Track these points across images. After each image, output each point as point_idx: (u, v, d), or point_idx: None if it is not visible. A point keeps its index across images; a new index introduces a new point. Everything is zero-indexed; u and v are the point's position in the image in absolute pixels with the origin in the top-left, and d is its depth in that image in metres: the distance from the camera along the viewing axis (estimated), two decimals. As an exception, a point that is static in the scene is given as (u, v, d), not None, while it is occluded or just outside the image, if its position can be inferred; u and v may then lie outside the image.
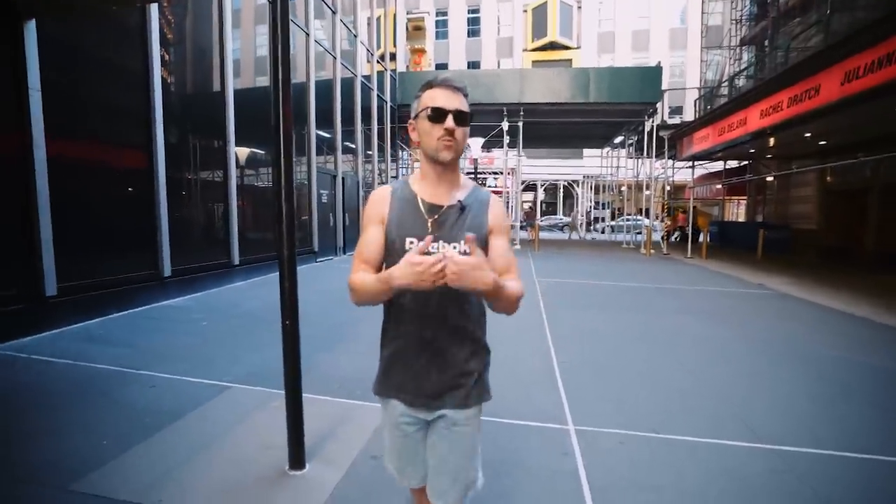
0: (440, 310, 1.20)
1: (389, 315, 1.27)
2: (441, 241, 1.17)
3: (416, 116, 1.21)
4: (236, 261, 7.02)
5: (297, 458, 2.28)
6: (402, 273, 1.01)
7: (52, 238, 4.19)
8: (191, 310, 5.37)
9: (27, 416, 2.74)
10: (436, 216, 1.19)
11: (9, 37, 3.83)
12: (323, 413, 2.86)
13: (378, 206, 1.24)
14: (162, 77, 5.46)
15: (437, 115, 1.15)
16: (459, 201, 1.21)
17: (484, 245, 1.21)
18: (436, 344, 1.22)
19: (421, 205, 1.21)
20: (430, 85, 1.19)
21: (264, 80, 8.27)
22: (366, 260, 1.21)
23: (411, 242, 1.17)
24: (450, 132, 1.15)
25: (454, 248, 1.17)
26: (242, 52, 7.79)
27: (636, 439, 2.64)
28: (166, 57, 5.63)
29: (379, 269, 1.22)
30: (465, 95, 1.20)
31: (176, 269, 5.71)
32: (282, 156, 2.19)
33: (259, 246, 7.82)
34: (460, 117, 1.16)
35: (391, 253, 1.20)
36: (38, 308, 4.14)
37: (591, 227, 24.90)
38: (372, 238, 1.22)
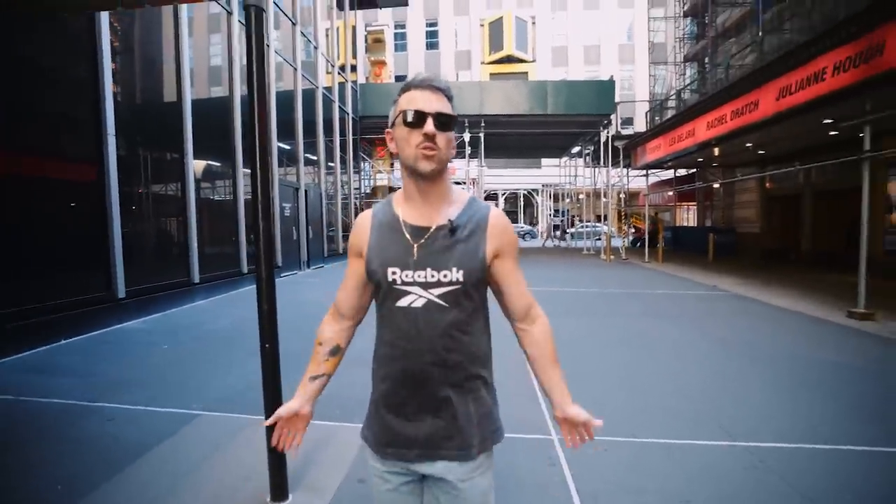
0: (436, 346, 1.01)
1: (377, 351, 1.10)
2: (429, 268, 1.00)
3: (394, 124, 1.03)
4: (196, 278, 6.69)
5: (279, 488, 2.18)
6: (284, 406, 1.11)
7: (-7, 261, 3.84)
8: (149, 332, 5.05)
9: (-33, 460, 2.47)
10: (421, 240, 1.01)
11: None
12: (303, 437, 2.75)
13: (358, 236, 1.10)
14: (113, 86, 5.16)
15: (415, 118, 0.97)
16: (450, 220, 1.02)
17: (481, 274, 1.03)
18: (429, 386, 1.03)
19: (404, 228, 1.03)
20: (408, 87, 1.02)
21: (219, 91, 8.01)
22: (339, 308, 1.15)
23: (394, 273, 1.01)
24: (430, 137, 0.96)
25: (443, 276, 1.00)
26: (196, 62, 7.51)
27: (617, 445, 2.70)
28: (118, 66, 5.34)
29: (354, 318, 1.17)
30: (450, 97, 1.03)
31: (131, 289, 5.36)
32: (258, 173, 2.12)
33: (220, 262, 7.49)
34: (442, 120, 0.98)
35: (376, 284, 1.05)
36: (-25, 339, 3.77)
37: (555, 235, 25.63)
38: (349, 281, 1.13)
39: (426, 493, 1.10)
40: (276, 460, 2.17)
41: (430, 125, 0.96)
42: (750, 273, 10.98)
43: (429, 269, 1.00)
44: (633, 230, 20.13)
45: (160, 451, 2.60)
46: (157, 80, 6.55)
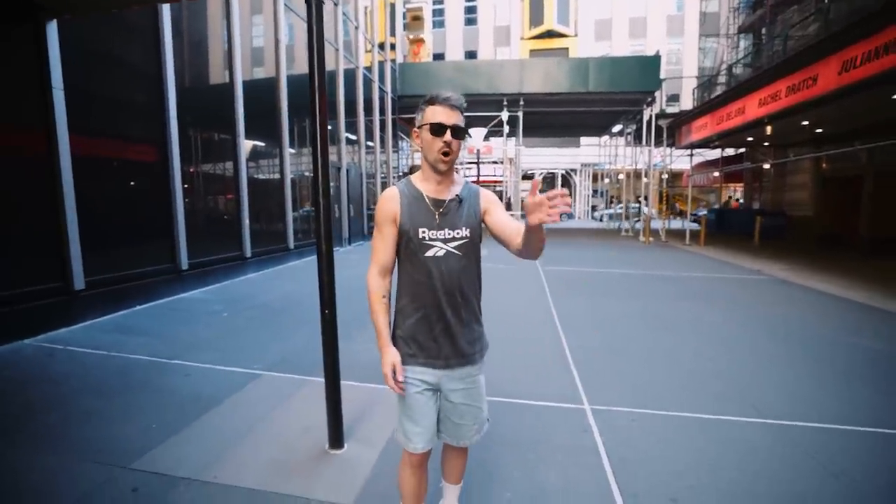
0: (457, 283, 1.46)
1: (406, 292, 1.50)
2: (446, 228, 1.44)
3: (420, 127, 1.44)
4: (248, 253, 7.15)
5: (336, 438, 2.46)
6: (384, 363, 1.46)
7: (79, 234, 4.31)
8: (209, 302, 5.52)
9: (75, 402, 2.90)
10: (440, 209, 1.45)
11: (32, 37, 3.91)
12: (353, 397, 3.03)
13: (390, 204, 1.46)
14: (174, 73, 5.53)
15: (438, 129, 1.39)
16: (457, 195, 1.48)
17: (480, 225, 1.50)
18: (454, 313, 1.47)
19: (427, 200, 1.46)
20: (432, 101, 1.41)
21: (261, 72, 8.28)
22: (380, 262, 1.50)
23: (423, 232, 1.43)
24: (448, 144, 1.39)
25: (457, 233, 1.45)
26: (244, 44, 7.81)
27: (648, 417, 2.83)
28: (177, 53, 5.68)
29: (391, 269, 1.52)
30: (463, 112, 1.43)
31: (193, 261, 5.84)
32: (319, 158, 2.33)
33: (269, 238, 7.95)
34: (457, 132, 1.40)
35: (407, 240, 1.45)
36: (69, 301, 4.28)
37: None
38: (386, 240, 1.48)
39: (447, 394, 1.54)
40: (335, 414, 2.44)
41: (448, 135, 1.39)
42: (799, 258, 10.52)
43: (447, 229, 1.45)
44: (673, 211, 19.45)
45: (230, 403, 2.95)
46: (211, 64, 6.91)
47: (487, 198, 1.54)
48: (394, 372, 1.47)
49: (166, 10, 5.36)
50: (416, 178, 1.52)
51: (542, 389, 3.22)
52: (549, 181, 33.40)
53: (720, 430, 2.69)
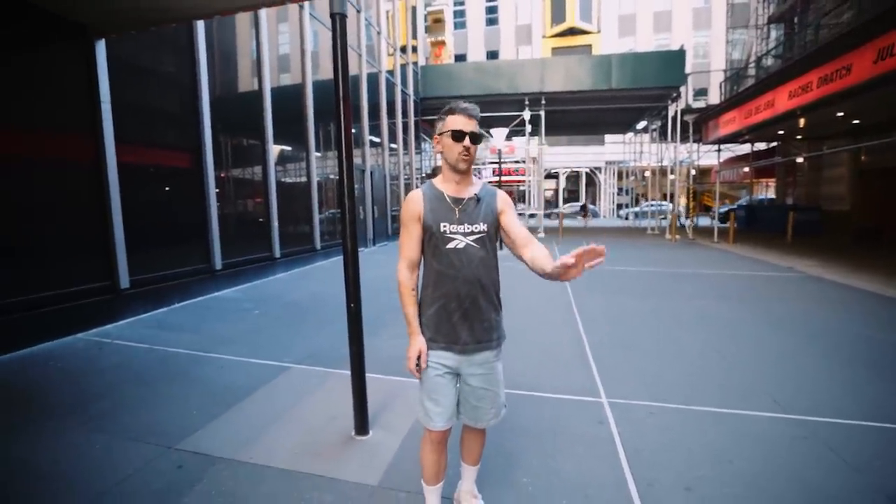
0: (476, 273, 1.59)
1: (429, 282, 1.64)
2: (465, 223, 1.60)
3: (441, 134, 1.62)
4: (278, 254, 7.45)
5: (362, 425, 2.60)
6: (410, 347, 1.63)
7: (124, 237, 4.63)
8: (241, 300, 5.80)
9: (124, 390, 3.15)
10: (460, 206, 1.62)
11: (83, 56, 4.24)
12: (376, 389, 3.17)
13: (415, 204, 1.63)
14: (208, 84, 5.84)
15: (458, 136, 1.57)
16: (476, 194, 1.64)
17: (496, 222, 1.65)
18: (472, 300, 1.60)
19: (448, 199, 1.62)
20: (451, 111, 1.59)
21: (287, 78, 8.57)
22: (407, 257, 1.65)
23: (444, 226, 1.59)
24: (467, 149, 1.57)
25: (475, 227, 1.60)
26: (272, 53, 8.12)
27: (665, 410, 2.87)
28: (211, 65, 5.99)
29: (418, 263, 1.67)
30: (478, 120, 1.61)
31: (226, 262, 6.15)
32: (344, 160, 2.48)
33: (297, 239, 8.24)
34: (474, 138, 1.59)
35: (430, 234, 1.61)
36: (115, 299, 4.60)
37: (580, 215, 24.06)
38: (412, 237, 1.63)
39: (466, 378, 1.67)
40: (360, 403, 2.58)
41: (467, 141, 1.58)
42: (834, 254, 10.15)
43: (465, 224, 1.61)
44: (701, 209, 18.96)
45: (263, 392, 3.14)
46: (242, 73, 7.23)
47: (503, 199, 1.70)
48: (417, 358, 1.62)
49: (200, 24, 5.66)
50: (437, 181, 1.69)
51: (561, 383, 3.29)
52: (572, 180, 33.06)
53: (737, 423, 2.70)
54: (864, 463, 2.28)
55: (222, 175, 6.38)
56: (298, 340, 4.25)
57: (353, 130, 10.98)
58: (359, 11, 11.10)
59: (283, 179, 8.04)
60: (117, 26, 4.17)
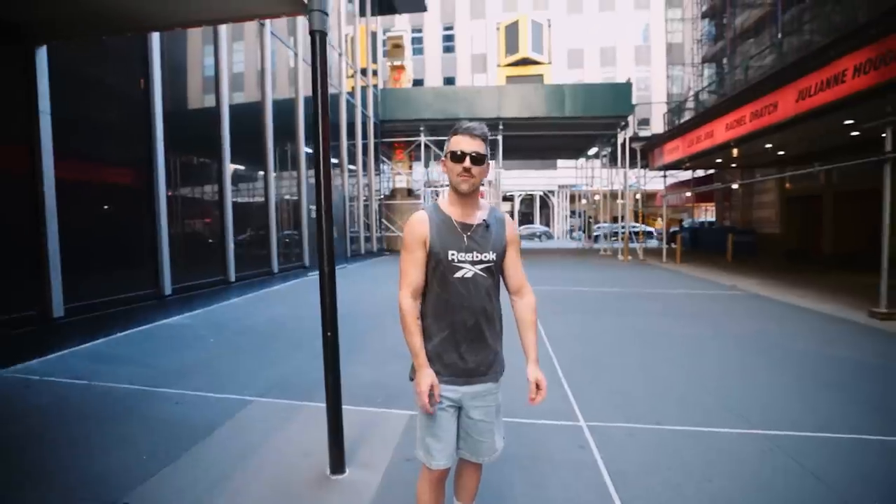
0: (482, 303, 1.53)
1: (431, 312, 1.55)
2: (474, 251, 1.51)
3: (446, 156, 1.55)
4: (233, 277, 7.04)
5: (338, 463, 2.43)
6: (421, 382, 1.48)
7: (60, 258, 4.20)
8: (194, 327, 5.39)
9: (54, 436, 2.78)
10: (468, 232, 1.52)
11: (20, 62, 3.88)
12: (351, 421, 2.99)
13: (421, 227, 1.52)
14: (162, 98, 5.53)
15: (458, 157, 1.49)
16: (484, 220, 1.56)
17: (503, 255, 1.59)
18: (478, 331, 1.54)
19: (456, 224, 1.53)
20: (456, 132, 1.52)
21: (246, 96, 8.32)
22: (411, 284, 1.53)
23: (453, 254, 1.49)
24: (466, 170, 1.48)
25: (484, 256, 1.52)
26: (232, 70, 7.87)
27: (642, 431, 2.90)
28: (166, 79, 5.69)
29: (421, 290, 1.56)
30: (485, 140, 1.52)
31: (176, 286, 5.72)
32: (321, 180, 2.38)
33: (253, 262, 7.85)
34: (477, 158, 1.49)
35: (436, 262, 1.51)
36: (46, 330, 4.12)
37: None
38: (415, 263, 1.53)
39: (468, 410, 1.59)
40: (336, 438, 2.42)
41: (467, 162, 1.48)
42: (769, 273, 10.97)
43: (474, 252, 1.52)
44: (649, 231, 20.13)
45: (224, 431, 2.88)
46: (198, 87, 6.93)
47: (512, 231, 1.63)
48: (430, 392, 1.49)
49: (155, 37, 5.39)
50: (442, 204, 1.58)
51: (538, 408, 3.22)
52: (527, 202, 34.05)
53: (710, 440, 2.77)
54: (823, 471, 2.39)
55: (175, 193, 6.00)
56: (260, 370, 3.98)
57: (310, 150, 10.77)
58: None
59: (239, 199, 7.69)
60: (60, 33, 3.86)
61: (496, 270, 1.57)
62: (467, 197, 1.53)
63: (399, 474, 2.43)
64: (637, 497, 2.20)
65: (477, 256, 1.51)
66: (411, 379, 1.57)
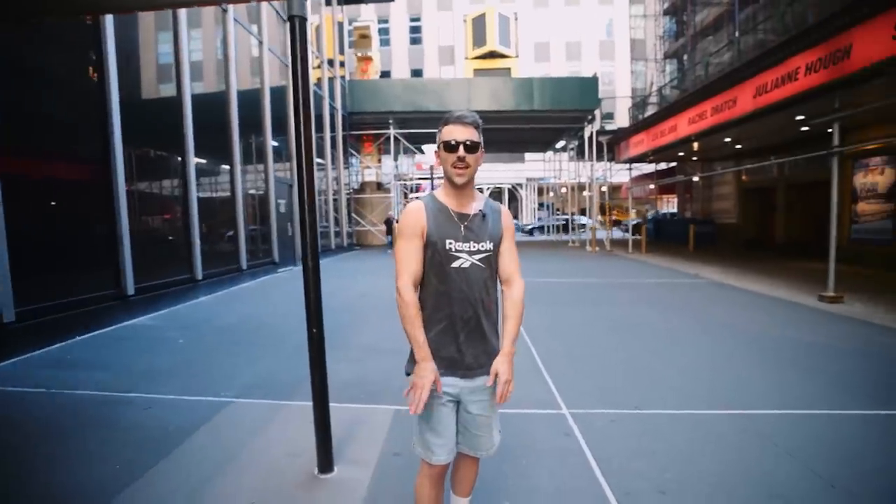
0: (479, 294, 1.51)
1: (428, 304, 1.52)
2: (471, 241, 1.50)
3: (439, 147, 1.51)
4: (200, 275, 6.75)
5: (326, 461, 2.38)
6: (424, 375, 1.42)
7: (9, 262, 3.89)
8: (161, 328, 5.15)
9: (11, 450, 2.59)
10: (465, 222, 1.51)
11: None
12: (336, 418, 2.93)
13: (418, 215, 1.49)
14: (118, 88, 5.19)
15: (449, 146, 1.46)
16: (480, 210, 1.55)
17: (499, 244, 1.57)
18: (475, 322, 1.51)
19: (453, 214, 1.51)
20: (447, 121, 1.49)
21: (209, 85, 7.96)
22: (411, 272, 1.49)
23: (450, 244, 1.47)
24: (461, 159, 1.45)
25: (481, 246, 1.50)
26: (193, 59, 7.50)
27: (624, 416, 2.98)
28: (123, 68, 5.35)
29: (420, 280, 1.52)
30: (477, 127, 1.49)
31: (140, 286, 5.44)
32: (304, 171, 2.29)
33: (221, 259, 7.56)
34: (471, 146, 1.46)
35: (433, 251, 1.49)
36: (-3, 336, 3.83)
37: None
38: (414, 252, 1.49)
39: (460, 410, 1.57)
40: (324, 437, 2.36)
41: (461, 150, 1.45)
42: (728, 262, 11.50)
43: (471, 242, 1.50)
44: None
45: (203, 434, 2.76)
46: (158, 78, 6.57)
47: (508, 220, 1.62)
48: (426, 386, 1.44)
49: (109, 21, 5.05)
50: (439, 194, 1.56)
51: (521, 398, 3.28)
52: (495, 196, 34.33)
53: (690, 422, 2.88)
54: (795, 448, 2.53)
55: (135, 188, 5.68)
56: (236, 370, 3.84)
57: (276, 143, 10.45)
58: (286, 21, 10.68)
59: (205, 194, 7.37)
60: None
61: (493, 261, 1.55)
62: (462, 188, 1.51)
63: (390, 469, 2.40)
64: (624, 481, 2.25)
65: (474, 246, 1.49)
66: (408, 374, 1.53)
